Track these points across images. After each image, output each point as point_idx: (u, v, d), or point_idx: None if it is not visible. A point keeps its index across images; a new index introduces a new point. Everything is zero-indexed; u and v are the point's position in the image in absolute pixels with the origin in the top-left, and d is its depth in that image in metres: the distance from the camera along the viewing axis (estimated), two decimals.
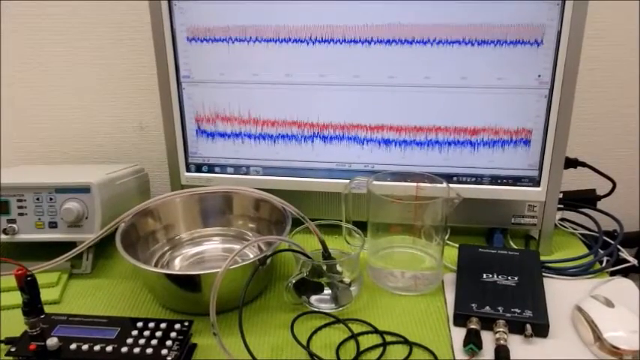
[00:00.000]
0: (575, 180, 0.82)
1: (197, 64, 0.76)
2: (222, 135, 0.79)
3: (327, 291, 0.66)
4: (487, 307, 0.62)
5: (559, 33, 0.67)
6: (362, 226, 0.71)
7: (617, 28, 0.86)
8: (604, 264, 0.72)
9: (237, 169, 0.80)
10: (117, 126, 0.97)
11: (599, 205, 0.83)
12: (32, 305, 0.56)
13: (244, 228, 0.78)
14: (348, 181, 0.73)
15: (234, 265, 0.59)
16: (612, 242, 0.75)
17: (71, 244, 0.67)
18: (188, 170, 0.81)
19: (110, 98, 0.96)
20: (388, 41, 0.71)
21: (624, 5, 0.85)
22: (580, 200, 0.82)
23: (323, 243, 0.66)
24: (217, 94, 0.77)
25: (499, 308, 0.62)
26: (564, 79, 0.68)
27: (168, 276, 0.63)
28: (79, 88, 0.95)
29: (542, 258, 0.72)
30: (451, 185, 0.71)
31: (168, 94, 0.77)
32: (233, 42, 0.74)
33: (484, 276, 0.67)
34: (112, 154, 0.99)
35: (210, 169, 0.81)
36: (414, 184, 0.72)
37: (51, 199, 0.70)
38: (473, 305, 0.63)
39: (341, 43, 0.72)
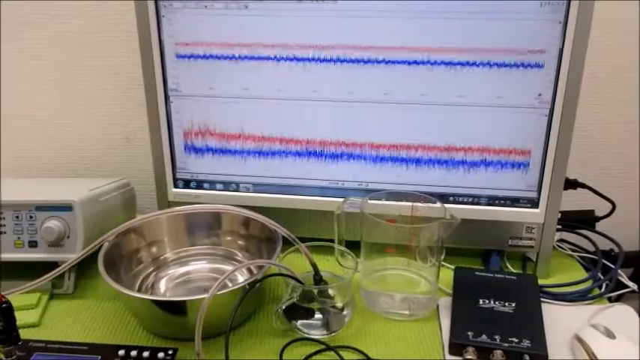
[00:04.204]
0: (573, 199, 0.80)
1: (186, 77, 0.73)
2: (212, 150, 0.76)
3: (319, 315, 0.63)
4: (484, 336, 0.60)
5: (561, 51, 0.65)
6: (355, 245, 0.69)
7: (618, 44, 0.85)
8: (603, 289, 0.70)
9: (227, 185, 0.78)
10: (103, 138, 0.94)
11: (598, 226, 0.81)
12: (8, 333, 0.54)
13: (233, 246, 0.75)
14: (341, 199, 0.70)
15: (221, 290, 0.57)
16: (611, 265, 0.73)
17: (52, 264, 0.65)
18: (176, 186, 0.78)
19: (96, 109, 0.93)
20: (385, 61, 0.69)
21: (624, 20, 0.83)
22: (578, 221, 0.80)
23: (314, 266, 0.64)
24: (207, 108, 0.74)
25: (496, 337, 0.59)
26: (565, 98, 0.66)
27: (153, 301, 0.60)
28: (64, 98, 0.93)
29: (540, 281, 0.70)
30: (448, 205, 0.69)
31: (156, 108, 0.74)
32: (224, 59, 0.71)
33: (481, 302, 0.65)
34: (98, 167, 0.96)
35: (199, 185, 0.78)
36: (410, 203, 0.70)
37: (31, 217, 0.67)
38: (469, 334, 0.60)
39: (335, 62, 0.70)
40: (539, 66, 0.66)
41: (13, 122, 0.94)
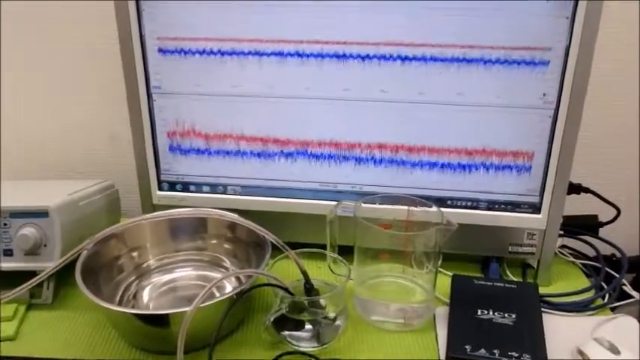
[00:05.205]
0: (574, 204, 0.77)
1: (169, 74, 0.69)
2: (198, 151, 0.72)
3: (309, 327, 0.60)
4: (482, 350, 0.57)
5: (567, 49, 0.61)
6: (349, 250, 0.65)
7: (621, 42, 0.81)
8: (606, 299, 0.67)
9: (214, 187, 0.74)
10: (85, 136, 0.90)
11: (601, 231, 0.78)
12: None
13: (220, 251, 0.72)
14: (333, 202, 0.67)
15: (205, 302, 0.54)
16: (615, 274, 0.70)
17: (30, 273, 0.61)
18: (160, 189, 0.74)
19: (78, 106, 0.89)
20: (381, 56, 0.65)
21: (627, 19, 0.79)
22: (581, 226, 0.77)
23: (305, 274, 0.61)
24: (192, 106, 0.70)
25: (495, 351, 0.57)
26: (571, 98, 0.63)
27: (133, 314, 0.57)
28: (43, 94, 0.88)
29: (541, 290, 0.67)
30: (445, 210, 0.66)
31: (138, 107, 0.70)
32: (209, 54, 0.67)
33: (479, 312, 0.62)
34: (80, 168, 0.92)
35: (185, 187, 0.74)
36: (405, 207, 0.67)
37: (5, 224, 0.63)
38: (467, 347, 0.58)
39: (330, 58, 0.66)
40: (544, 64, 0.63)
41: None
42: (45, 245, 0.64)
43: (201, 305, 0.53)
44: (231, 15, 0.66)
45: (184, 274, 0.70)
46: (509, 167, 0.68)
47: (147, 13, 0.66)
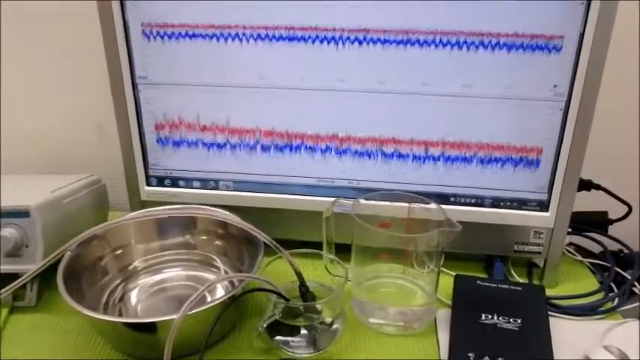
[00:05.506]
0: (582, 199, 0.73)
1: (155, 64, 0.65)
2: (187, 144, 0.68)
3: (305, 332, 0.57)
4: (486, 358, 0.54)
5: (581, 36, 0.57)
6: (346, 248, 0.62)
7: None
8: (615, 302, 0.64)
9: (205, 183, 0.71)
10: (71, 128, 0.86)
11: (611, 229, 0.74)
12: None
13: (210, 249, 0.68)
14: (330, 198, 0.64)
15: (193, 310, 0.51)
16: (625, 275, 0.67)
17: (12, 275, 0.58)
18: (149, 184, 0.71)
19: (63, 97, 0.85)
20: (380, 41, 0.61)
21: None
22: (589, 223, 0.73)
23: (300, 276, 0.58)
24: (180, 97, 0.66)
25: (499, 359, 0.54)
26: (584, 91, 0.59)
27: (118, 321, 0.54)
28: (25, 85, 0.84)
29: (548, 291, 0.64)
30: (448, 207, 0.63)
31: (123, 98, 0.66)
32: (198, 42, 0.63)
33: (483, 317, 0.59)
34: (66, 162, 0.88)
35: (174, 182, 0.71)
36: (406, 204, 0.63)
37: None
38: (470, 355, 0.55)
39: (325, 42, 0.62)
40: (555, 52, 0.58)
41: None
42: (26, 246, 0.61)
43: (189, 313, 0.51)
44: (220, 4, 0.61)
45: (173, 274, 0.67)
46: (516, 162, 0.64)
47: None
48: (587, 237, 0.74)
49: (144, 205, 0.71)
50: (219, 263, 0.68)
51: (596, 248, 0.74)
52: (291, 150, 0.67)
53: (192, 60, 0.64)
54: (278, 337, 0.57)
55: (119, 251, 0.66)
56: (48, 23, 0.81)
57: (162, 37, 0.63)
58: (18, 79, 0.85)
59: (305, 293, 0.59)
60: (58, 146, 0.88)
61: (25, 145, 0.88)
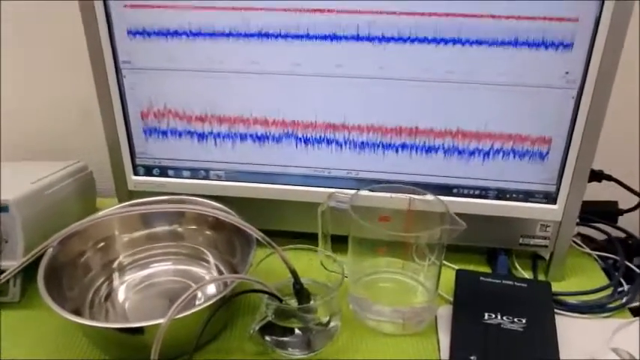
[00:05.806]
0: (590, 189, 0.70)
1: (140, 48, 0.61)
2: (176, 132, 0.65)
3: (299, 332, 0.55)
4: None
5: (597, 20, 0.53)
6: (343, 240, 0.59)
7: None
8: (624, 299, 0.61)
9: (195, 172, 0.67)
10: (55, 112, 0.82)
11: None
12: None
13: (200, 242, 0.65)
14: (326, 189, 0.61)
15: (181, 313, 0.48)
16: (634, 267, 0.64)
17: None
18: (136, 173, 0.67)
19: (47, 77, 0.80)
20: (382, 29, 0.57)
21: None
22: (598, 214, 0.70)
23: (294, 273, 0.55)
24: (168, 83, 0.62)
25: None
26: (599, 78, 0.55)
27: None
28: (5, 63, 0.79)
29: (554, 287, 0.61)
30: (451, 199, 0.60)
31: (106, 84, 0.62)
32: (185, 23, 0.59)
33: (486, 316, 0.57)
34: (50, 148, 0.84)
35: (163, 172, 0.67)
36: (406, 196, 0.60)
37: None
38: (472, 358, 0.52)
39: (320, 27, 0.57)
40: (568, 39, 0.54)
41: None
42: (6, 242, 0.58)
43: (177, 317, 0.48)
44: None
45: (162, 269, 0.64)
46: (523, 153, 0.60)
47: None
48: (594, 227, 0.71)
49: (131, 195, 0.68)
50: (209, 257, 0.65)
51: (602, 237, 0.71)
52: (285, 139, 0.64)
53: (179, 43, 0.60)
54: (271, 338, 0.55)
55: (103, 244, 0.63)
56: (32, 5, 0.76)
57: (147, 20, 0.59)
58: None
59: (300, 291, 0.56)
60: (41, 130, 0.84)
61: (5, 129, 0.85)
